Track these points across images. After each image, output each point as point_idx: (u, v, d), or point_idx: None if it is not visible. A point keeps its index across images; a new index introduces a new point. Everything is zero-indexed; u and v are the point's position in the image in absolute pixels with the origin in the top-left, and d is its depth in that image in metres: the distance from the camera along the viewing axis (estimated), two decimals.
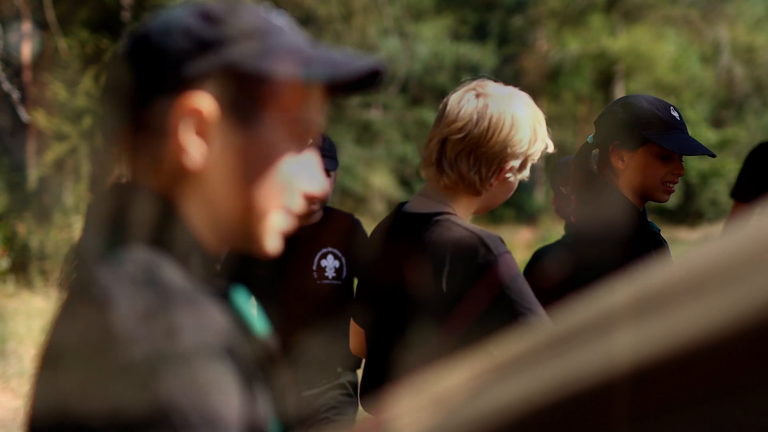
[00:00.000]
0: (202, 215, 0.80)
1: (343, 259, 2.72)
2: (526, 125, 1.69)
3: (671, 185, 2.10)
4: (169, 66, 0.78)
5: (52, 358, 0.73)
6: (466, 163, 1.68)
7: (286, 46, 0.80)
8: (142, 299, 0.70)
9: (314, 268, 2.68)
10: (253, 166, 0.80)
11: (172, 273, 0.75)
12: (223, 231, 0.81)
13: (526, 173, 1.75)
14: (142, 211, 0.78)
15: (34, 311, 7.66)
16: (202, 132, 0.78)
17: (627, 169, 2.09)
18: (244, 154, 0.79)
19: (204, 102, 0.77)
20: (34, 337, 6.70)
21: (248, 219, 0.81)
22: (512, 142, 1.68)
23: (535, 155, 1.73)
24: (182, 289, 0.73)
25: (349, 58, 0.82)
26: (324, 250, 2.70)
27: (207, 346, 0.69)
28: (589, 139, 2.20)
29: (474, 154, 1.68)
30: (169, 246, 0.77)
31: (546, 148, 1.75)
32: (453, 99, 1.71)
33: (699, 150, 2.08)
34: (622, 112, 2.09)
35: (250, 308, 0.86)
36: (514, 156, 1.69)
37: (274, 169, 0.80)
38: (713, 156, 2.11)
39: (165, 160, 0.79)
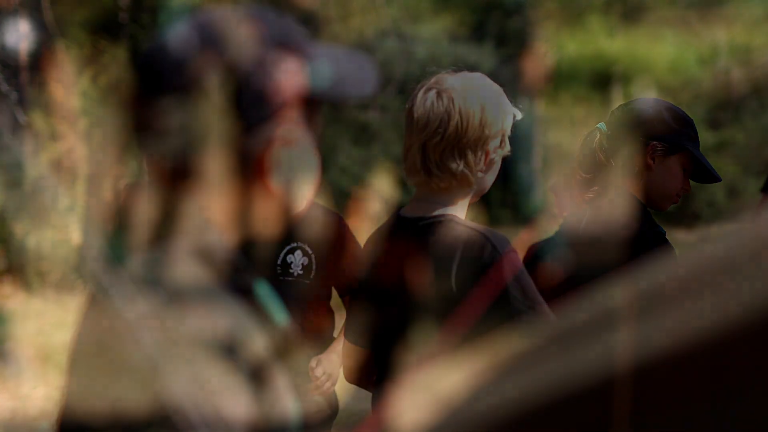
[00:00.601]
0: (234, 216, 0.84)
1: (314, 257, 2.48)
2: (493, 104, 1.74)
3: (678, 199, 2.15)
4: (268, 100, 0.82)
5: (68, 357, 0.77)
6: (452, 160, 1.72)
7: (331, 64, 0.86)
8: (147, 300, 0.71)
9: (278, 262, 2.45)
10: (305, 168, 0.89)
11: (187, 272, 0.76)
12: (255, 226, 0.87)
13: (507, 148, 1.79)
14: (172, 214, 0.80)
15: (31, 312, 7.64)
16: (283, 155, 0.84)
17: (654, 171, 2.11)
18: (302, 160, 0.87)
19: (292, 131, 0.84)
20: (31, 339, 6.68)
21: (285, 213, 0.89)
22: (487, 124, 1.72)
23: (509, 128, 1.78)
24: (193, 288, 0.74)
25: (361, 75, 0.90)
26: (293, 245, 2.46)
27: (210, 346, 0.69)
28: (601, 126, 2.20)
29: (457, 149, 1.72)
30: (196, 247, 0.79)
31: (515, 117, 1.80)
32: (417, 105, 1.75)
33: (716, 174, 2.14)
34: (668, 116, 2.12)
35: (273, 302, 0.88)
36: (493, 136, 1.74)
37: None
38: (720, 180, 2.16)
39: (245, 178, 0.84)
